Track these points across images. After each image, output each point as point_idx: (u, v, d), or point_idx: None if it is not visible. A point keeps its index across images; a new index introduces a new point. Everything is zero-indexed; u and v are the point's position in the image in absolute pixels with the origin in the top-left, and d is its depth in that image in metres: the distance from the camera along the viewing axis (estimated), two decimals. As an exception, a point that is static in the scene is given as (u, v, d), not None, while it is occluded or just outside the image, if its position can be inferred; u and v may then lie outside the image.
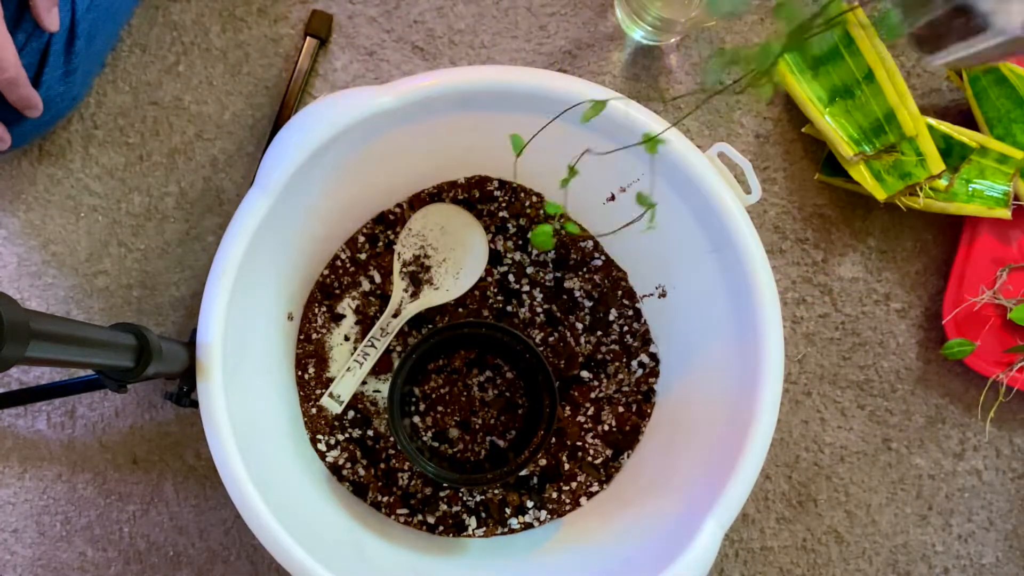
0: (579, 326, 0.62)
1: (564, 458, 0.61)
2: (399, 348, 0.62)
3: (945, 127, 0.61)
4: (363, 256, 0.62)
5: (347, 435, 0.61)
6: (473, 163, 0.60)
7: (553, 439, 0.61)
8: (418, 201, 0.61)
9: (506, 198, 0.61)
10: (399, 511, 0.60)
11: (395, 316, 0.61)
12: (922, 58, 0.53)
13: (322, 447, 0.60)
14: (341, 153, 0.51)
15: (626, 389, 0.61)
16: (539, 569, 0.56)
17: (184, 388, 0.52)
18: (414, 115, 0.51)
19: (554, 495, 0.61)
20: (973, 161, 0.61)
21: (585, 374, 0.61)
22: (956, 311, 0.62)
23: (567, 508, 0.61)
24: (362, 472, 0.60)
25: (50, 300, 0.64)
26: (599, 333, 0.62)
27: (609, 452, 0.61)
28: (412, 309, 0.61)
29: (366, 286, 0.62)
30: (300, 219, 0.54)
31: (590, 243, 0.62)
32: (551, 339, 0.62)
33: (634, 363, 0.61)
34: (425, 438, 0.62)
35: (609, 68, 0.64)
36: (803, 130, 0.64)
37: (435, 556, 0.57)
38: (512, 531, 0.60)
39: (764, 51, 0.36)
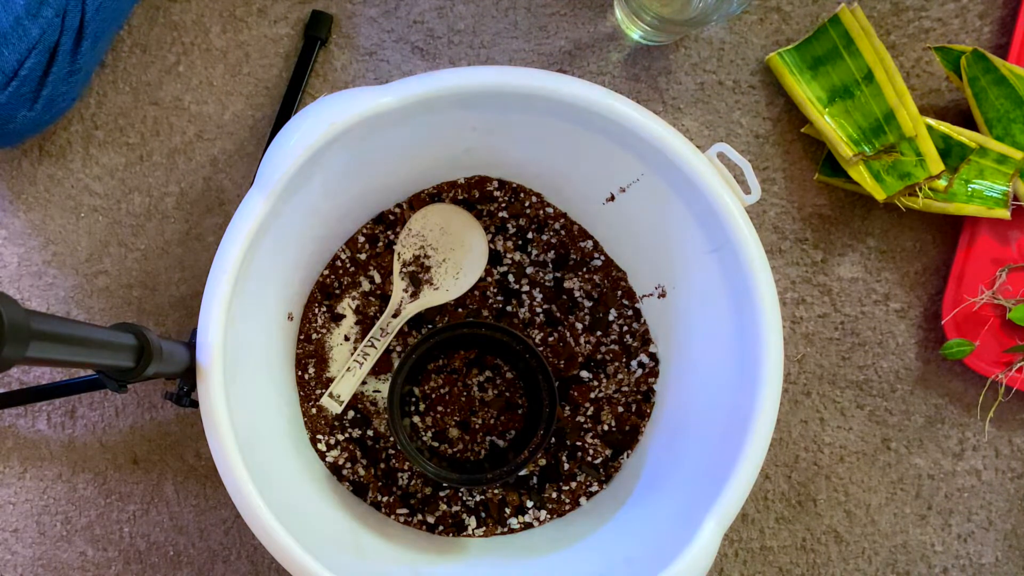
0: (579, 326, 0.62)
1: (564, 458, 0.61)
2: (399, 348, 0.62)
3: (944, 127, 0.61)
4: (363, 256, 0.62)
5: (347, 435, 0.61)
6: (473, 163, 0.60)
7: (553, 439, 0.61)
8: (418, 201, 0.61)
9: (506, 198, 0.62)
10: (399, 511, 0.60)
11: (395, 316, 0.61)
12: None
13: (322, 447, 0.60)
14: (341, 153, 0.51)
15: (626, 389, 0.61)
16: (539, 569, 0.57)
17: (184, 388, 0.52)
18: (414, 115, 0.51)
19: (554, 495, 0.61)
20: (972, 161, 0.61)
21: (585, 374, 0.61)
22: (955, 311, 0.62)
23: (567, 508, 0.61)
24: (362, 472, 0.60)
25: (51, 300, 0.64)
26: (599, 333, 0.62)
27: (609, 452, 0.61)
28: (412, 309, 0.61)
29: (366, 286, 0.62)
30: (300, 219, 0.54)
31: (590, 243, 0.62)
32: (551, 339, 0.62)
33: (634, 363, 0.61)
34: (425, 438, 0.62)
35: (609, 68, 0.64)
36: (803, 130, 0.64)
37: (435, 556, 0.57)
38: (512, 531, 0.60)
39: None
